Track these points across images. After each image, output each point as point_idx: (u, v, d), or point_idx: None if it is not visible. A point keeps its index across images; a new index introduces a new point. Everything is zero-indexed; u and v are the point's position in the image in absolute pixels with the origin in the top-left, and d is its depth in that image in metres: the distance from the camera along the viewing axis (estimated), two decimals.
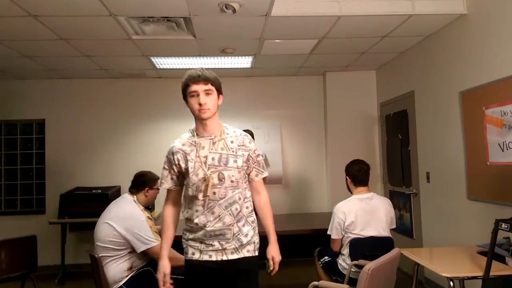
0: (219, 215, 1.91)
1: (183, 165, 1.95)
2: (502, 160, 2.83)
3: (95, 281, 2.63)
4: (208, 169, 1.90)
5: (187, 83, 1.88)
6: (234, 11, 2.97)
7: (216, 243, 1.93)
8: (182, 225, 2.06)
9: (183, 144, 1.97)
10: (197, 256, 1.96)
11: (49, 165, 5.20)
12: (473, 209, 3.20)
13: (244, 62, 4.69)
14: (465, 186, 3.30)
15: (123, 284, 2.55)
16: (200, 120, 1.92)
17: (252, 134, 4.82)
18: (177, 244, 2.14)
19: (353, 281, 2.53)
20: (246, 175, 2.04)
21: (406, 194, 4.40)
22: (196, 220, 1.93)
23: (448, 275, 2.17)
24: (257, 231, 2.05)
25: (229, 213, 1.92)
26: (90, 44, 3.83)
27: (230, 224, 1.92)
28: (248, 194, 2.04)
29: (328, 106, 5.35)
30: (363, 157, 5.23)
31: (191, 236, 1.98)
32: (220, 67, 4.87)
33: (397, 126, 4.68)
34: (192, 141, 1.96)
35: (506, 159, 2.79)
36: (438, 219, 3.76)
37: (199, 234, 1.94)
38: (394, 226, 3.02)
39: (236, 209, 1.94)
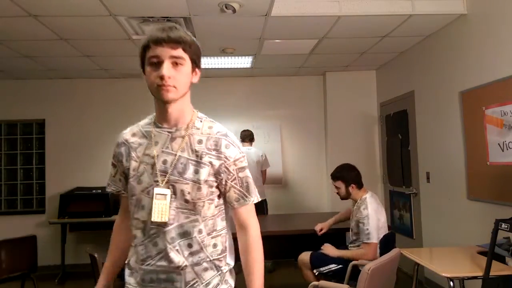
0: (163, 249, 1.25)
1: (125, 164, 1.37)
2: (502, 160, 2.83)
3: (95, 281, 2.63)
4: (158, 176, 1.27)
5: (148, 44, 1.22)
6: (234, 11, 2.97)
7: None
8: None
9: (133, 134, 1.39)
10: None
11: (49, 165, 5.20)
12: (473, 209, 3.20)
13: (244, 62, 4.70)
14: (465, 186, 3.30)
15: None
16: (159, 102, 1.27)
17: (252, 134, 4.83)
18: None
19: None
20: (221, 197, 1.34)
21: (406, 194, 4.40)
22: (131, 253, 1.35)
23: (448, 275, 2.17)
24: (229, 278, 1.36)
25: (177, 249, 1.25)
26: (90, 44, 3.83)
27: (178, 267, 1.24)
28: (220, 225, 1.33)
29: (328, 106, 5.35)
30: (363, 157, 5.29)
31: (130, 279, 1.33)
32: (220, 67, 4.87)
33: (397, 126, 4.68)
34: (146, 132, 1.36)
35: (506, 159, 2.79)
36: (438, 219, 3.76)
37: (137, 275, 1.30)
38: None
39: (189, 245, 1.26)
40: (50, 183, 5.17)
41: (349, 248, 3.06)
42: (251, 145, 4.81)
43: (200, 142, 1.29)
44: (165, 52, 1.20)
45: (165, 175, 1.26)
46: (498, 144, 2.85)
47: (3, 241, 3.22)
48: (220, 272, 1.31)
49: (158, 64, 1.20)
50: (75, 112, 5.29)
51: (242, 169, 1.33)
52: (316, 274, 3.01)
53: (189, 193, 1.24)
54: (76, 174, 5.18)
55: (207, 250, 1.28)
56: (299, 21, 3.35)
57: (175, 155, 1.27)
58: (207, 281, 1.27)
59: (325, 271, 2.99)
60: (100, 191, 4.74)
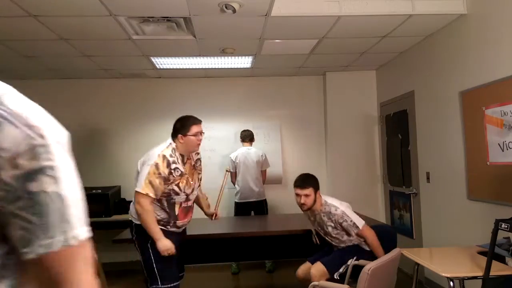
0: None
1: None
2: (502, 160, 2.83)
3: None
4: None
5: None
6: (234, 11, 2.97)
7: None
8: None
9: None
10: None
11: None
12: (473, 209, 3.20)
13: (244, 62, 4.70)
14: (465, 186, 3.30)
15: (136, 224, 2.62)
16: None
17: (252, 134, 4.84)
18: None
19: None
20: None
21: (406, 194, 4.40)
22: None
23: (448, 275, 2.17)
24: None
25: None
26: (90, 44, 3.83)
27: None
28: None
29: (328, 106, 5.35)
30: (363, 157, 5.29)
31: None
32: (220, 67, 4.87)
33: (397, 126, 4.68)
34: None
35: (506, 159, 2.79)
36: (438, 219, 3.76)
37: None
38: None
39: None
40: None
41: (340, 247, 3.03)
42: (251, 145, 4.81)
43: None
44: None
45: None
46: (498, 144, 2.86)
47: None
48: None
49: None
50: (75, 112, 5.29)
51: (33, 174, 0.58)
52: (338, 277, 2.86)
53: None
54: (76, 174, 5.17)
55: None
56: (299, 21, 3.35)
57: None
58: None
59: (344, 270, 2.87)
60: (100, 191, 4.74)
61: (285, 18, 3.27)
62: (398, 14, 3.28)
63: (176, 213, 2.62)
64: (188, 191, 2.64)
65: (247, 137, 4.80)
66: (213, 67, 4.86)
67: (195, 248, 3.57)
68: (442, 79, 3.66)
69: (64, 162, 0.62)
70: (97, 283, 0.66)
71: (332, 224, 2.98)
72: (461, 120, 3.34)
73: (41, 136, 0.59)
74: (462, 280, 2.34)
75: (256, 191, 4.61)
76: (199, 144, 2.64)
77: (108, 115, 5.32)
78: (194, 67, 4.81)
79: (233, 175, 4.69)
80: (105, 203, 4.62)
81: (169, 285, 2.58)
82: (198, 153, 2.81)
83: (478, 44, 3.11)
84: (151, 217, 2.51)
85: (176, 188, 2.55)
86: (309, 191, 2.99)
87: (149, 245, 2.55)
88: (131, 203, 2.71)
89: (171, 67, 4.78)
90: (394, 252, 2.25)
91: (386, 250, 2.84)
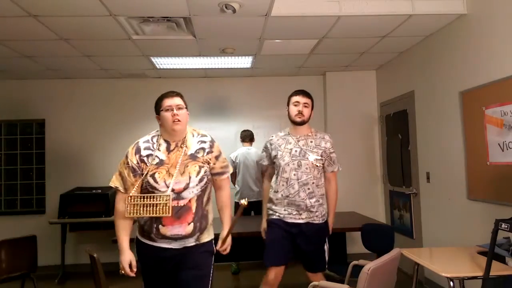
0: None
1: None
2: (502, 160, 2.83)
3: (94, 281, 2.63)
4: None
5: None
6: (234, 11, 2.97)
7: None
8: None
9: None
10: None
11: (49, 165, 5.20)
12: (473, 209, 3.20)
13: (244, 62, 4.69)
14: (465, 186, 3.30)
15: (137, 235, 2.19)
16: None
17: (252, 134, 4.84)
18: None
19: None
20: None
21: (406, 194, 4.40)
22: None
23: (448, 275, 2.17)
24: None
25: None
26: (90, 44, 3.83)
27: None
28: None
29: (328, 106, 5.35)
30: (363, 157, 5.29)
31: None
32: (220, 67, 4.87)
33: (397, 126, 4.68)
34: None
35: (506, 159, 2.79)
36: (438, 219, 3.76)
37: None
38: None
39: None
40: (50, 183, 5.17)
41: (299, 200, 2.70)
42: (251, 145, 4.81)
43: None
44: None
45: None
46: (498, 144, 2.85)
47: (3, 241, 3.22)
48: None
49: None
50: (75, 112, 5.29)
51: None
52: (328, 271, 2.88)
53: None
54: (76, 174, 5.17)
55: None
56: (299, 21, 3.35)
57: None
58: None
59: (326, 263, 2.84)
60: (100, 191, 4.74)
61: (285, 18, 3.27)
62: (398, 14, 3.28)
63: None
64: (175, 186, 2.03)
65: (247, 137, 4.80)
66: (213, 67, 4.86)
67: None
68: (442, 79, 3.65)
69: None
70: None
71: (319, 155, 2.72)
72: (461, 120, 3.34)
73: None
74: (462, 280, 2.34)
75: (256, 191, 4.61)
76: (176, 121, 2.04)
77: (108, 115, 5.31)
78: (194, 67, 4.81)
79: (233, 175, 4.69)
80: (105, 203, 4.62)
81: None
82: (203, 141, 2.18)
83: (478, 44, 3.10)
84: (118, 219, 2.11)
85: (151, 180, 2.03)
86: (309, 102, 2.76)
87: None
88: None
89: (171, 67, 4.78)
90: (394, 252, 2.24)
91: (384, 249, 2.84)
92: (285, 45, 4.04)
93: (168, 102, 2.09)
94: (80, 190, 4.85)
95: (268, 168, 2.94)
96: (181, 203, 2.04)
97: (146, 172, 2.04)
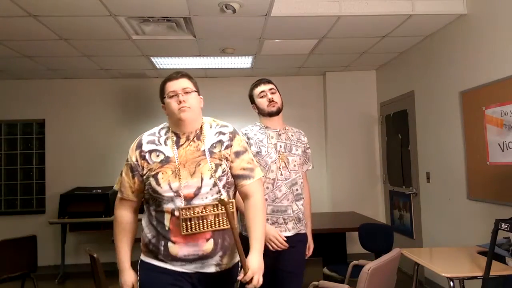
0: None
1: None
2: (502, 160, 2.83)
3: (94, 281, 2.63)
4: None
5: None
6: (234, 11, 2.97)
7: None
8: None
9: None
10: None
11: (49, 165, 5.20)
12: (473, 209, 3.20)
13: (244, 62, 4.69)
14: (465, 186, 3.30)
15: (141, 257, 1.69)
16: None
17: None
18: None
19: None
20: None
21: (406, 194, 4.40)
22: None
23: (448, 275, 2.17)
24: None
25: None
26: (90, 44, 3.83)
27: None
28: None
29: (328, 106, 5.35)
30: (363, 157, 5.29)
31: None
32: (220, 67, 4.87)
33: (397, 126, 4.68)
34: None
35: (506, 159, 2.79)
36: (438, 219, 3.76)
37: None
38: None
39: None
40: (50, 183, 5.17)
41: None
42: None
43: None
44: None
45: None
46: (498, 144, 2.85)
47: (3, 241, 3.22)
48: None
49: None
50: (75, 112, 5.29)
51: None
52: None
53: None
54: (76, 174, 5.17)
55: None
56: (299, 21, 3.35)
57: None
58: None
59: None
60: (100, 191, 4.74)
61: (285, 18, 3.27)
62: (398, 14, 3.28)
63: (167, 228, 1.57)
64: (183, 191, 1.57)
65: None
66: (213, 67, 4.86)
67: None
68: (442, 79, 3.65)
69: None
70: None
71: (301, 150, 2.34)
72: (461, 120, 3.34)
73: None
74: (462, 280, 2.34)
75: None
76: (183, 109, 1.64)
77: (108, 115, 5.31)
78: (194, 67, 4.81)
79: None
80: (105, 203, 4.62)
81: None
82: (221, 132, 1.72)
83: (478, 44, 3.10)
84: (118, 230, 1.71)
85: (152, 182, 1.59)
86: (274, 86, 2.37)
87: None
88: None
89: (171, 67, 4.78)
90: (394, 252, 2.24)
91: (383, 249, 2.84)
92: (285, 45, 4.04)
93: (171, 86, 1.70)
94: (80, 190, 4.85)
95: None
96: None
97: (147, 172, 1.63)
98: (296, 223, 2.23)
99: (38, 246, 3.47)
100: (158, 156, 1.65)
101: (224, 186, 1.63)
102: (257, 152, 2.22)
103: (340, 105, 5.32)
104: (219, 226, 1.59)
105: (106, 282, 2.52)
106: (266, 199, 2.12)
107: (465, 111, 3.28)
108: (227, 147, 1.68)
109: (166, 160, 1.63)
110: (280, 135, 2.31)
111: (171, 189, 1.58)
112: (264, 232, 1.67)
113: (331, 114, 5.33)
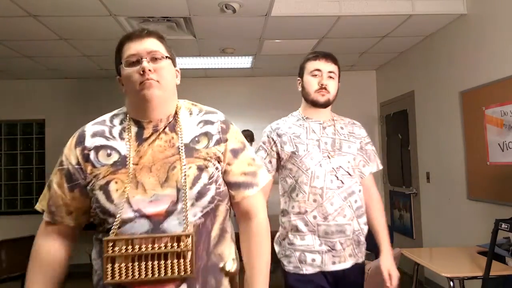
0: None
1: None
2: (502, 160, 2.83)
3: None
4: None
5: None
6: (234, 11, 2.97)
7: None
8: None
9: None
10: None
11: (49, 165, 5.20)
12: (473, 209, 3.20)
13: (244, 62, 4.69)
14: (465, 186, 3.30)
15: None
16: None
17: (252, 134, 4.83)
18: None
19: None
20: None
21: (406, 194, 4.40)
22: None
23: (448, 275, 2.17)
24: None
25: None
26: (90, 44, 3.83)
27: None
28: None
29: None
30: None
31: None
32: (220, 67, 4.87)
33: (397, 126, 4.68)
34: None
35: (506, 159, 2.78)
36: (438, 219, 3.76)
37: None
38: None
39: None
40: None
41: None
42: (251, 145, 4.80)
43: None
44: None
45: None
46: (498, 144, 2.85)
47: (3, 241, 3.22)
48: None
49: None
50: (75, 112, 5.28)
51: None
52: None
53: None
54: None
55: None
56: (299, 21, 3.35)
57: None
58: None
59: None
60: None
61: (285, 18, 3.27)
62: (398, 14, 3.28)
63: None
64: (148, 209, 1.02)
65: (247, 137, 4.71)
66: (213, 67, 4.86)
67: None
68: (442, 79, 3.65)
69: None
70: None
71: (356, 147, 1.78)
72: (461, 120, 3.34)
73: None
74: (462, 280, 2.34)
75: None
76: (147, 83, 1.09)
77: None
78: (194, 67, 4.81)
79: None
80: None
81: None
82: (208, 120, 1.20)
83: (478, 44, 3.10)
84: (33, 265, 1.18)
85: (100, 197, 1.06)
86: (337, 70, 1.79)
87: None
88: None
89: None
90: (394, 252, 2.25)
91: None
92: (285, 45, 4.04)
93: (132, 47, 1.13)
94: None
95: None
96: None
97: (91, 180, 1.07)
98: (354, 249, 1.67)
99: None
100: (109, 155, 1.08)
101: (213, 201, 1.08)
102: (292, 152, 1.73)
103: (340, 105, 5.28)
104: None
105: None
106: (315, 216, 1.62)
107: (465, 111, 3.28)
108: (218, 142, 1.13)
109: (122, 162, 1.06)
110: (324, 128, 1.79)
111: (130, 205, 1.02)
112: (269, 273, 1.15)
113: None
